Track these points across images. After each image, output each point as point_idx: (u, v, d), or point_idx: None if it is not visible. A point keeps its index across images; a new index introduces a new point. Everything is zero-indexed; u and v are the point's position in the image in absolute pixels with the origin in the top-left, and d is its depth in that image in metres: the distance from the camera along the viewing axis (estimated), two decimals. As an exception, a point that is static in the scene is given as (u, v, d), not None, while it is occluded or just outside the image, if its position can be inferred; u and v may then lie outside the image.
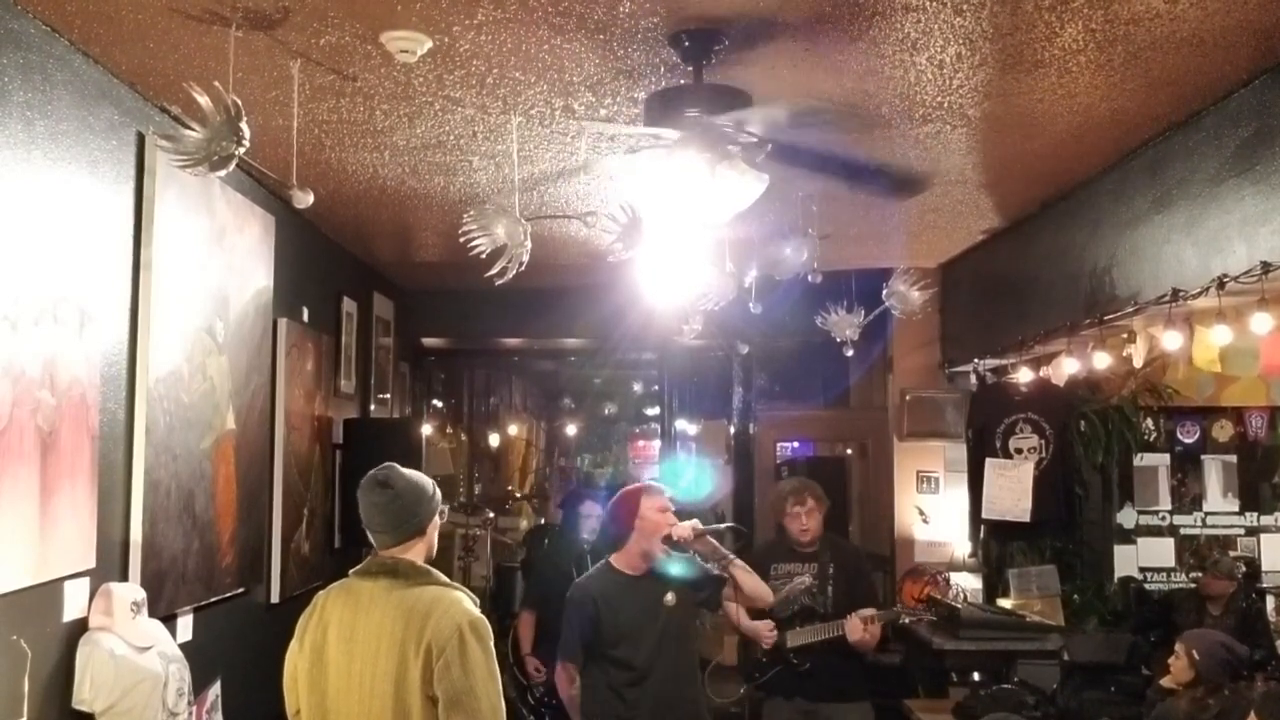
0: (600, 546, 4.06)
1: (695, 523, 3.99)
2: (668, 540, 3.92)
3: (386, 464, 2.92)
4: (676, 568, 3.93)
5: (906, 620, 4.83)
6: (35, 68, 2.81)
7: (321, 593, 2.93)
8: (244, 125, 2.40)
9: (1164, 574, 7.19)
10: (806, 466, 7.59)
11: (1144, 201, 4.15)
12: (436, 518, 2.93)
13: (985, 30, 3.00)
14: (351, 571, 2.91)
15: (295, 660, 2.87)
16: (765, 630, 4.57)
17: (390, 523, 2.85)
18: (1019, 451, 5.93)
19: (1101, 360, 4.88)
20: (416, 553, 2.87)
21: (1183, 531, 7.29)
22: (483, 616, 2.77)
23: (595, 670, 3.91)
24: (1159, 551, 7.25)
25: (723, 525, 4.07)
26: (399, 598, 2.75)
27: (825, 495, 4.80)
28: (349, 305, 5.96)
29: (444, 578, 2.85)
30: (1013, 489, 5.88)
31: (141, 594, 3.20)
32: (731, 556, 4.02)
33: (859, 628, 4.47)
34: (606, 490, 7.29)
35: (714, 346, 8.13)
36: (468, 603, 2.79)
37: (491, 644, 2.76)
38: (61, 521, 2.90)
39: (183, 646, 3.44)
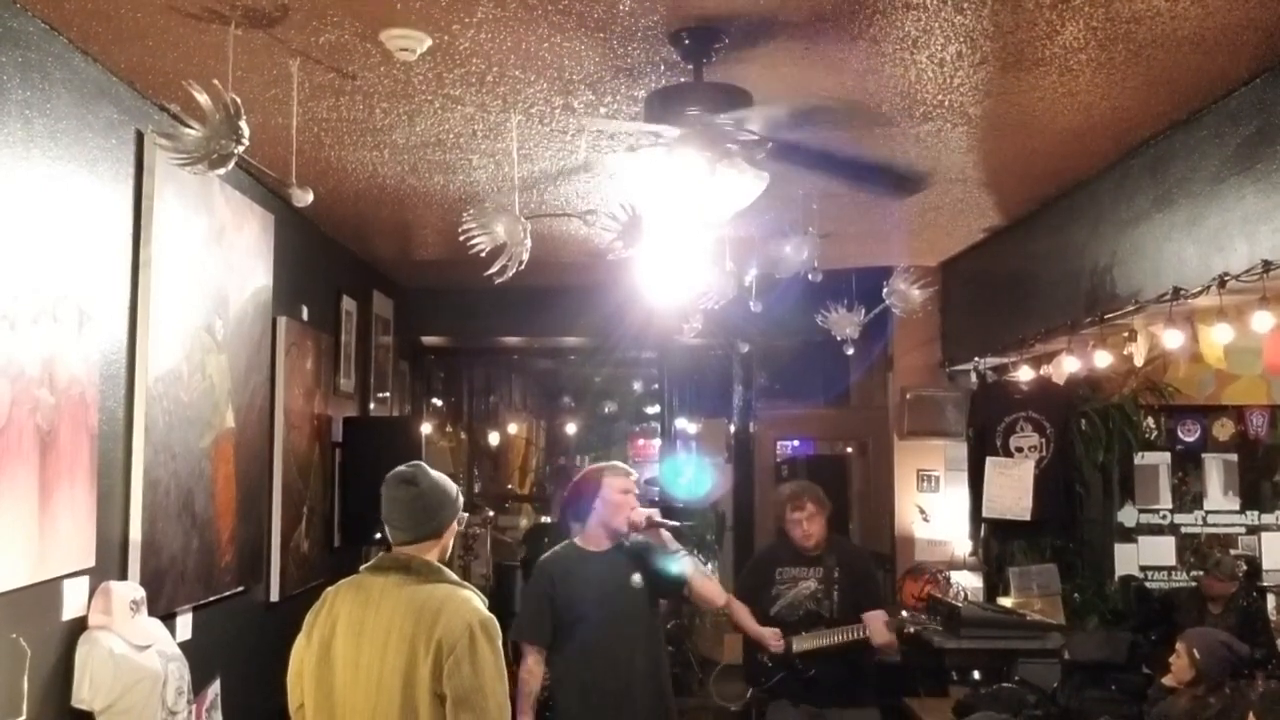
0: (564, 526, 4.03)
1: (654, 512, 3.97)
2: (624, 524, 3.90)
3: (415, 462, 2.93)
4: (643, 551, 3.92)
5: (912, 630, 4.71)
6: (34, 66, 2.81)
7: (331, 588, 2.92)
8: (243, 123, 2.39)
9: (1165, 572, 7.20)
10: (806, 465, 7.59)
11: (1145, 200, 4.15)
12: (455, 523, 2.93)
13: (986, 28, 3.00)
14: (363, 567, 2.91)
15: (302, 654, 2.86)
16: (772, 639, 4.49)
17: (410, 521, 2.85)
18: (1019, 450, 5.93)
19: (1102, 359, 4.87)
20: (431, 555, 2.87)
21: (1184, 530, 7.30)
22: (493, 616, 2.78)
23: (556, 658, 3.88)
24: (1160, 550, 7.25)
25: (678, 523, 4.02)
26: (410, 594, 2.75)
27: (826, 498, 4.68)
28: (348, 303, 5.96)
29: (455, 576, 2.86)
30: (1013, 487, 5.88)
31: (141, 592, 3.20)
32: (683, 551, 3.98)
33: (883, 630, 4.40)
34: None
35: (714, 345, 8.12)
36: (478, 602, 2.79)
37: (500, 644, 2.77)
38: (61, 520, 2.90)
39: (182, 645, 3.44)
